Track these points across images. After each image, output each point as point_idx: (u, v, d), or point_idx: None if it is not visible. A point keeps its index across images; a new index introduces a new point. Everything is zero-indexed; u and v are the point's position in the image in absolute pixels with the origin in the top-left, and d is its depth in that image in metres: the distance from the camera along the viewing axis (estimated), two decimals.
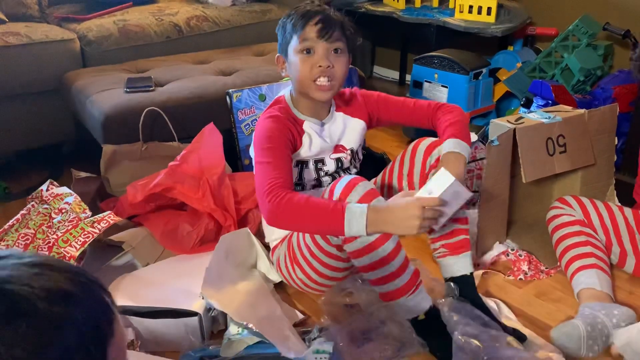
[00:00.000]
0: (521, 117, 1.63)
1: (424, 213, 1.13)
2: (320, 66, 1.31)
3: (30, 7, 2.34)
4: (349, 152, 1.47)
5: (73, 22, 2.29)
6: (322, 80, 1.32)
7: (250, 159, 1.90)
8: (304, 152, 1.40)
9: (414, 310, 1.25)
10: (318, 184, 1.47)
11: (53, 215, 1.52)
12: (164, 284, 1.44)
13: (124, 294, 1.38)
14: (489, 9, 2.44)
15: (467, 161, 1.32)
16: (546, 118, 1.62)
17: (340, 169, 1.48)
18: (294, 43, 1.33)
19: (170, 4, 2.57)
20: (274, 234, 1.48)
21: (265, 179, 1.24)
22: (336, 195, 1.22)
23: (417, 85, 2.52)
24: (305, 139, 1.40)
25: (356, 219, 1.14)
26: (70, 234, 1.44)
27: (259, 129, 1.36)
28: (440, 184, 1.17)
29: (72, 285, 0.51)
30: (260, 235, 1.56)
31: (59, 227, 1.47)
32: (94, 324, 0.51)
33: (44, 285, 0.49)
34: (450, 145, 1.33)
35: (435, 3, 2.74)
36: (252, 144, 1.40)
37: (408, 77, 2.82)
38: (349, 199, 1.19)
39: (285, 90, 1.46)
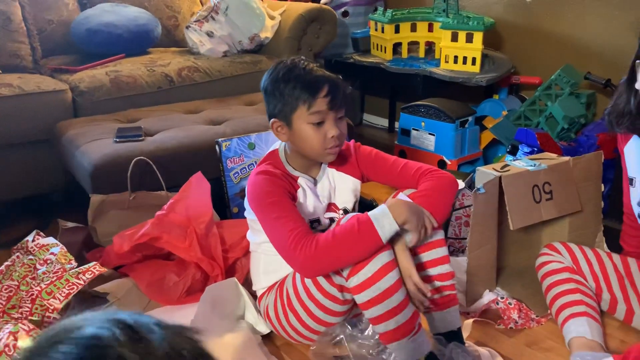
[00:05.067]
0: (507, 165, 1.65)
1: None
2: (332, 136, 1.32)
3: (24, 58, 2.38)
4: (341, 212, 1.46)
5: (66, 73, 2.32)
6: (333, 146, 1.34)
7: (240, 206, 1.91)
8: (299, 208, 1.36)
9: (414, 353, 1.22)
10: None
11: (38, 266, 1.50)
12: None
13: None
14: (474, 59, 2.50)
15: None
16: (531, 165, 1.64)
17: None
18: (301, 113, 1.30)
19: (162, 55, 2.62)
20: (260, 283, 1.46)
21: (284, 234, 1.22)
22: None
23: (405, 132, 2.55)
24: (300, 193, 1.39)
25: (383, 218, 1.19)
26: (55, 285, 1.42)
27: (254, 185, 1.33)
28: None
29: None
30: (248, 284, 1.55)
31: (43, 278, 1.45)
32: None
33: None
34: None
35: (422, 54, 2.81)
36: (246, 200, 1.38)
37: (397, 125, 2.86)
38: None
39: (278, 145, 1.44)
